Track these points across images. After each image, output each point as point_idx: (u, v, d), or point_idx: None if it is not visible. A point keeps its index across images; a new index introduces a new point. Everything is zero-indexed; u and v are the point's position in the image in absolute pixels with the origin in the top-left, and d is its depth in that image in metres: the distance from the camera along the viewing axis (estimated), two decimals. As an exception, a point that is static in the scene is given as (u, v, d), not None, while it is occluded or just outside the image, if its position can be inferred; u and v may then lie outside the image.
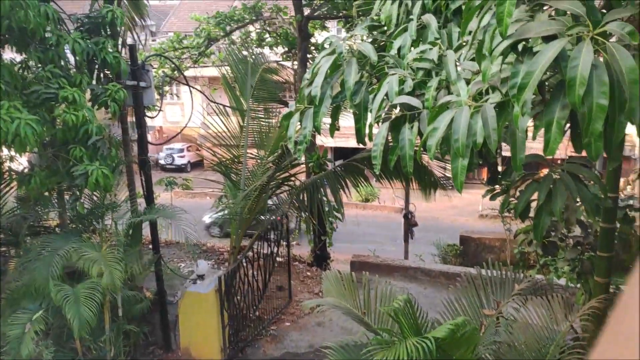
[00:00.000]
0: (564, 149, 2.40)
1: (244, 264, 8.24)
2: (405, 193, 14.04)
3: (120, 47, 7.45)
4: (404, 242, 14.47)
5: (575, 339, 4.67)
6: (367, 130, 2.50)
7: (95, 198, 7.15)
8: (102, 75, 6.92)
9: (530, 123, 1.95)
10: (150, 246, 8.21)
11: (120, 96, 6.44)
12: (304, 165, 10.94)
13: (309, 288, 10.25)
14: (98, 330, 6.44)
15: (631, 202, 5.30)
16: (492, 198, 3.91)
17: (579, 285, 5.32)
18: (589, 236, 5.11)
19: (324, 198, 9.27)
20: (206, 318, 7.55)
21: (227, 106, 9.29)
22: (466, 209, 22.05)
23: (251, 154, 9.11)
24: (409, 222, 14.41)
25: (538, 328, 4.00)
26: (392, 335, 3.51)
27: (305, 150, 9.78)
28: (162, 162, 30.29)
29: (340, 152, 18.69)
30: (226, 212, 8.59)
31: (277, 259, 9.65)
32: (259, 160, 8.90)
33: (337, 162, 9.76)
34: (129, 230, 7.25)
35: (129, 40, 8.62)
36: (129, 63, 7.28)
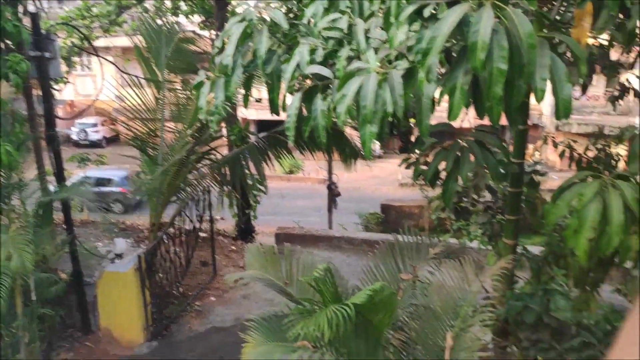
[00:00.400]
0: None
1: (165, 241, 8.05)
2: (328, 164, 14.18)
3: (21, 15, 6.92)
4: (328, 213, 14.66)
5: (487, 297, 4.95)
6: (281, 101, 2.47)
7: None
8: (1, 45, 6.42)
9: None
10: (65, 226, 7.82)
11: (23, 68, 6.01)
12: (225, 139, 10.75)
13: (233, 262, 10.20)
14: (9, 316, 6.12)
15: (537, 167, 5.60)
16: (408, 167, 4.02)
17: (490, 248, 5.61)
18: (498, 201, 5.38)
19: (247, 171, 9.18)
20: (126, 297, 7.35)
21: (141, 77, 8.90)
22: (387, 178, 22.66)
23: (169, 127, 8.81)
24: (333, 193, 14.60)
25: (452, 289, 4.18)
26: (313, 304, 3.55)
27: (224, 122, 9.56)
28: (75, 137, 28.67)
29: (263, 125, 18.50)
30: (143, 188, 8.31)
31: (201, 234, 9.51)
32: (177, 134, 8.63)
33: (261, 135, 9.67)
34: (39, 210, 6.86)
35: (31, 8, 8.00)
36: (32, 32, 6.78)
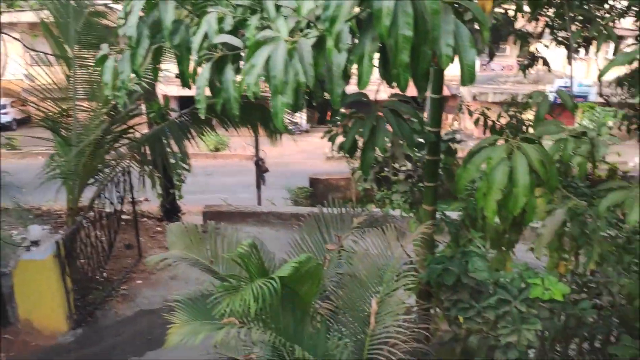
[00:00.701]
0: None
1: (85, 225, 7.71)
2: (254, 140, 14.05)
3: None
4: (256, 189, 14.59)
5: (409, 262, 5.13)
6: (191, 73, 2.39)
7: None
8: None
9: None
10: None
11: None
12: (145, 116, 10.34)
13: (159, 243, 9.95)
14: None
15: (455, 135, 5.79)
16: (331, 139, 4.04)
17: (412, 215, 5.78)
18: (418, 169, 5.53)
19: (169, 150, 8.91)
20: (46, 286, 7.01)
21: (50, 54, 8.35)
22: (315, 152, 22.77)
23: (83, 106, 8.35)
24: (260, 169, 14.53)
25: (375, 256, 4.29)
26: (239, 281, 3.53)
27: (142, 98, 9.17)
28: (-19, 120, 26.68)
29: (186, 101, 17.96)
30: (57, 171, 7.88)
31: (123, 216, 9.20)
32: (92, 113, 8.20)
33: (183, 112, 9.38)
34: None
35: None
36: None
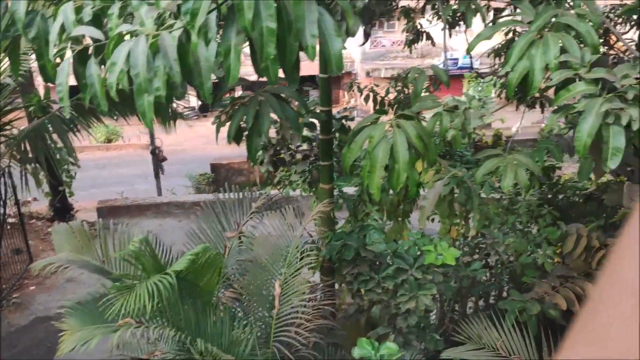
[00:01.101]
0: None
1: (-38, 234, 7.07)
2: (149, 128, 13.50)
3: None
4: (155, 179, 14.08)
5: (312, 241, 5.20)
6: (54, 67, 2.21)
7: None
8: None
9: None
10: None
11: None
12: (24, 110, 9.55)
13: (52, 245, 9.34)
14: None
15: (347, 113, 5.88)
16: (219, 125, 3.95)
17: (312, 194, 5.85)
18: (314, 148, 5.59)
19: (52, 144, 8.31)
20: None
21: None
22: (214, 136, 22.26)
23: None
24: (158, 158, 14.02)
25: (276, 239, 4.31)
26: (133, 279, 3.40)
27: (19, 91, 8.44)
28: None
29: (70, 92, 16.81)
30: None
31: (9, 220, 8.53)
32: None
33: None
34: None
35: None
36: None
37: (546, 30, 2.36)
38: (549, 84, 2.34)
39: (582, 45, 2.41)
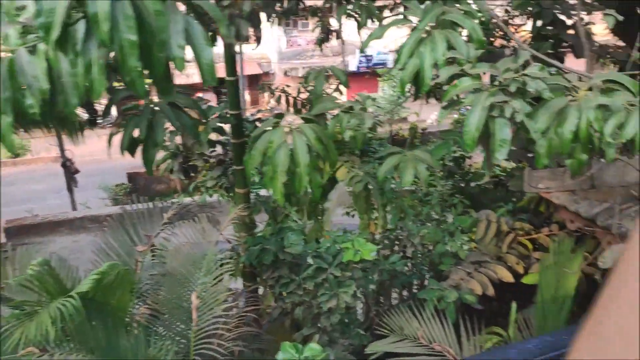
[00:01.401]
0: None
1: None
2: (58, 140, 12.85)
3: None
4: (68, 193, 13.40)
5: (231, 248, 5.11)
6: None
7: None
8: None
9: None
10: None
11: None
12: None
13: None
14: None
15: (260, 115, 5.83)
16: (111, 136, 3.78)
17: (229, 199, 5.75)
18: (229, 152, 5.50)
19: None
20: None
21: None
22: (131, 144, 21.47)
23: None
24: (70, 170, 13.35)
25: (190, 249, 4.19)
26: (35, 305, 3.18)
27: None
28: None
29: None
30: None
31: None
32: None
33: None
34: None
35: None
36: None
37: (434, 28, 2.42)
38: (437, 81, 2.40)
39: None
